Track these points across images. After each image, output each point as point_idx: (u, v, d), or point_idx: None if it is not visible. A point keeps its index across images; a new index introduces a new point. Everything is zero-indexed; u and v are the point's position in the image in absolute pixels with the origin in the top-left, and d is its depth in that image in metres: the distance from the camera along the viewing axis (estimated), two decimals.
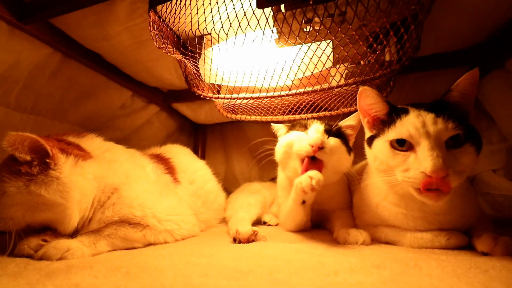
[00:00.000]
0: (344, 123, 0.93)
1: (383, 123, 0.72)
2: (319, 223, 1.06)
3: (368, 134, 0.77)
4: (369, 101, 0.73)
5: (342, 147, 0.88)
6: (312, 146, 0.83)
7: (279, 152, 0.95)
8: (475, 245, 0.65)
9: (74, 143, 0.79)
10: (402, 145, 0.65)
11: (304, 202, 0.87)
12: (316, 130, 0.87)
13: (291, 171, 0.93)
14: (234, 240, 0.82)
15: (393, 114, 0.70)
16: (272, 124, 1.05)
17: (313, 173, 0.79)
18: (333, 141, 0.87)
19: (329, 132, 0.89)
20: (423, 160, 0.60)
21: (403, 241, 0.73)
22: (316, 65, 0.78)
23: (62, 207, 0.69)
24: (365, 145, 0.77)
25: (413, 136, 0.63)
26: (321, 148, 0.83)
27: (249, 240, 0.81)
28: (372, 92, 0.72)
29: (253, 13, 0.68)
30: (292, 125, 0.98)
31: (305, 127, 0.91)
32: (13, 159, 0.68)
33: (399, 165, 0.65)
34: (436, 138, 0.61)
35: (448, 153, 0.61)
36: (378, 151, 0.70)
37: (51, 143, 0.70)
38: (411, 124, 0.64)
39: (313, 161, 0.85)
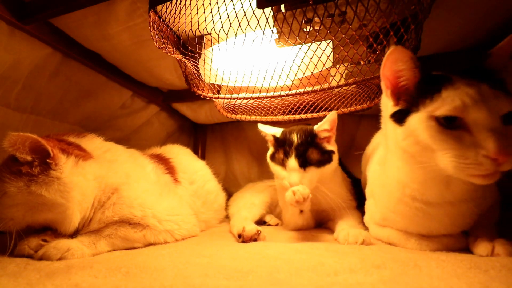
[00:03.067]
0: (320, 128, 0.91)
1: (416, 94, 0.58)
2: (321, 222, 1.06)
3: (390, 108, 0.63)
4: (400, 66, 0.58)
5: (319, 171, 0.89)
6: (291, 186, 0.85)
7: (268, 163, 0.99)
8: (471, 248, 0.64)
9: (74, 143, 0.79)
10: (451, 122, 0.52)
11: (301, 211, 0.94)
12: (292, 168, 0.88)
13: (279, 182, 0.98)
14: (239, 237, 0.84)
15: (428, 84, 0.57)
16: (259, 126, 1.03)
17: (296, 187, 0.82)
18: (309, 174, 0.88)
19: (304, 162, 0.88)
20: (484, 140, 0.49)
21: (407, 246, 0.71)
22: (316, 65, 0.78)
23: (63, 208, 0.69)
24: (388, 122, 0.63)
25: (469, 110, 0.51)
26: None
27: (251, 239, 0.83)
28: (407, 55, 0.57)
29: (253, 13, 0.68)
30: (276, 143, 0.96)
31: (282, 163, 0.91)
32: (14, 159, 0.68)
33: (450, 148, 0.52)
34: (495, 113, 0.51)
35: (505, 131, 0.51)
36: (418, 129, 0.55)
37: (52, 143, 0.70)
38: (464, 94, 0.51)
39: None
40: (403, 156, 0.62)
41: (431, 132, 0.54)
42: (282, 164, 0.91)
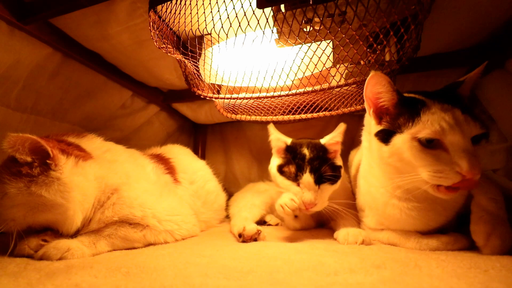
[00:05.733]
0: (330, 141, 0.90)
1: (397, 116, 0.66)
2: (323, 223, 1.06)
3: (374, 126, 0.71)
4: (379, 88, 0.66)
5: (332, 188, 0.86)
6: (306, 205, 0.83)
7: (272, 178, 0.95)
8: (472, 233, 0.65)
9: (74, 144, 0.79)
10: (430, 142, 0.61)
11: (296, 216, 0.94)
12: (307, 185, 0.83)
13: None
14: (239, 236, 0.83)
15: (406, 106, 0.65)
16: (269, 128, 0.99)
17: (285, 200, 0.81)
18: (324, 192, 0.85)
19: (319, 179, 0.84)
20: (459, 159, 0.57)
21: (407, 246, 0.72)
22: (316, 65, 0.78)
23: (63, 208, 0.69)
24: (373, 140, 0.71)
25: (446, 133, 0.59)
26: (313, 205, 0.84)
27: (252, 238, 0.83)
28: (384, 79, 0.65)
29: (253, 13, 0.68)
30: (285, 155, 0.92)
31: (295, 178, 0.86)
32: (14, 160, 0.68)
33: (429, 165, 0.60)
34: (469, 136, 0.59)
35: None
36: (402, 148, 0.63)
37: (52, 144, 0.70)
38: (441, 119, 0.60)
39: None
40: (386, 168, 0.71)
41: (414, 151, 0.62)
42: (294, 179, 0.86)
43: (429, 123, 0.60)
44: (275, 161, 0.95)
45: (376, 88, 0.67)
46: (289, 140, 0.94)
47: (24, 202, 0.67)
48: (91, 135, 0.87)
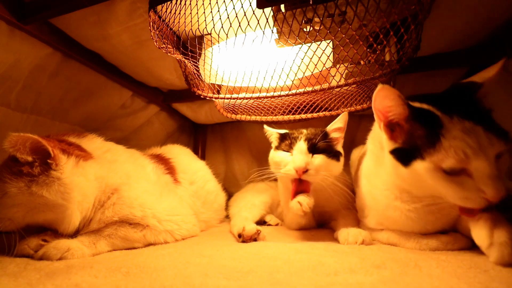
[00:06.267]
0: (331, 126, 0.91)
1: (411, 132, 0.61)
2: (323, 223, 1.06)
3: (387, 142, 0.66)
4: (388, 103, 0.62)
5: (328, 161, 0.86)
6: (297, 171, 0.83)
7: (271, 165, 0.97)
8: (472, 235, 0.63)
9: (75, 144, 0.79)
10: (455, 170, 0.56)
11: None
12: (299, 151, 0.85)
13: (283, 182, 0.97)
14: (239, 236, 0.84)
15: (419, 121, 0.60)
16: (265, 127, 1.03)
17: (302, 198, 0.81)
18: (317, 160, 0.85)
19: (313, 148, 0.86)
20: (483, 186, 0.54)
21: (406, 246, 0.72)
22: (316, 65, 0.78)
23: (63, 208, 0.69)
24: (388, 157, 0.66)
25: (471, 160, 0.54)
26: (305, 171, 0.83)
27: (251, 238, 0.83)
28: (393, 93, 0.60)
29: (253, 13, 0.68)
30: (282, 137, 0.95)
31: (290, 146, 0.88)
32: (14, 159, 0.68)
33: (454, 192, 0.57)
34: (493, 158, 0.54)
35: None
36: (425, 176, 0.59)
37: (52, 144, 0.70)
38: (465, 145, 0.54)
39: (301, 181, 0.86)
40: (402, 184, 0.67)
41: (438, 180, 0.58)
42: (289, 149, 0.87)
43: (453, 152, 0.55)
44: (273, 148, 0.98)
45: (385, 102, 0.62)
46: (284, 131, 0.97)
47: (24, 201, 0.67)
48: (91, 135, 0.87)
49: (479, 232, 0.60)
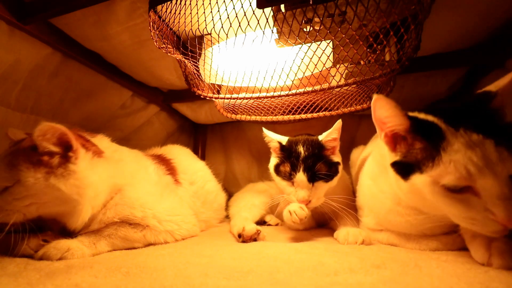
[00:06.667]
0: (326, 138, 0.90)
1: (413, 144, 0.58)
2: (323, 223, 1.06)
3: (389, 155, 0.63)
4: (383, 113, 0.59)
5: (328, 186, 0.87)
6: (300, 204, 0.85)
7: (271, 175, 0.97)
8: (470, 252, 0.61)
9: (90, 141, 0.79)
10: (458, 187, 0.51)
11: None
12: (300, 184, 0.85)
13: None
14: (239, 236, 0.84)
15: (421, 133, 0.56)
16: (264, 131, 1.00)
17: (293, 208, 0.82)
18: (318, 190, 0.86)
19: (313, 177, 0.85)
20: (493, 207, 0.48)
21: (406, 246, 0.72)
22: (316, 65, 0.78)
23: (75, 203, 0.69)
24: (389, 169, 0.63)
25: (474, 178, 0.49)
26: (308, 202, 0.85)
27: (251, 238, 0.83)
28: (387, 103, 0.58)
29: (253, 13, 0.68)
30: (282, 151, 0.93)
31: (290, 177, 0.87)
32: (33, 148, 0.68)
33: (459, 212, 0.52)
34: (505, 176, 0.48)
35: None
36: (424, 190, 0.55)
37: (75, 137, 0.71)
38: (467, 161, 0.49)
39: None
40: (410, 198, 0.63)
41: (439, 196, 0.53)
42: (289, 178, 0.87)
43: (452, 167, 0.50)
44: (273, 160, 0.97)
45: (381, 112, 0.60)
46: (284, 140, 0.95)
47: (38, 192, 0.65)
48: (100, 135, 0.88)
49: (477, 250, 0.58)
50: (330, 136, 0.89)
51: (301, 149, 0.89)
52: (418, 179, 0.55)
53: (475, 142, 0.50)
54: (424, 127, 0.56)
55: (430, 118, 0.58)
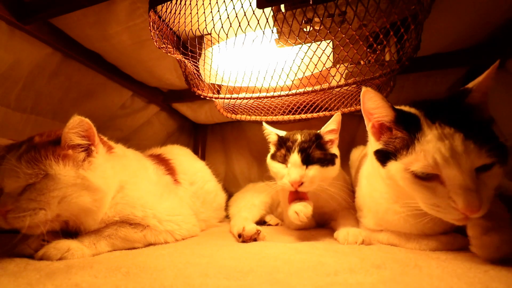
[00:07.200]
0: (325, 129, 0.90)
1: (395, 135, 0.62)
2: (323, 223, 1.06)
3: (374, 144, 0.67)
4: (371, 104, 0.64)
5: (322, 171, 0.87)
6: (292, 184, 0.84)
7: (270, 171, 0.97)
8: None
9: (101, 137, 0.81)
10: (425, 175, 0.56)
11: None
12: (293, 164, 0.85)
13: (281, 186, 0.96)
14: (239, 236, 0.84)
15: (403, 124, 0.60)
16: (264, 125, 1.01)
17: (299, 207, 0.82)
18: (312, 172, 0.85)
19: (307, 159, 0.85)
20: (454, 196, 0.52)
21: (406, 246, 0.72)
22: (316, 65, 0.78)
23: (102, 193, 0.71)
24: (373, 157, 0.68)
25: (440, 167, 0.53)
26: (300, 184, 0.84)
27: (251, 238, 0.83)
28: (375, 95, 0.62)
29: (253, 13, 0.68)
30: (279, 142, 0.94)
31: (284, 158, 0.88)
32: (56, 142, 0.69)
33: (425, 197, 0.57)
34: (468, 168, 0.52)
35: (478, 180, 0.52)
36: (397, 176, 0.60)
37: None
38: (436, 151, 0.53)
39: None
40: (393, 195, 0.69)
41: (408, 182, 0.58)
42: (284, 160, 0.88)
43: (422, 155, 0.55)
44: (271, 152, 0.98)
45: (369, 104, 0.64)
46: (283, 133, 0.96)
47: (69, 185, 0.66)
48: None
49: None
50: (328, 127, 0.90)
51: (298, 136, 0.90)
52: (393, 166, 0.60)
53: (446, 134, 0.54)
54: (406, 118, 0.60)
55: (412, 110, 0.62)
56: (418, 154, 0.55)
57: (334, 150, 0.92)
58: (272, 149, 0.98)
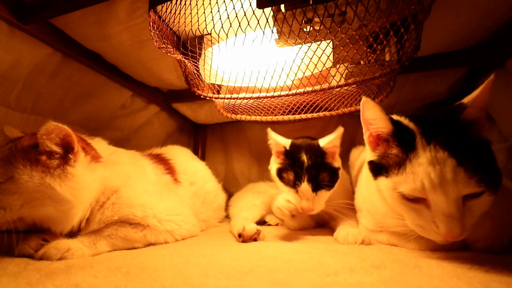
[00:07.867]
0: (329, 144, 0.91)
1: (390, 148, 0.61)
2: (323, 223, 1.06)
3: (369, 153, 0.68)
4: (370, 115, 0.64)
5: (329, 193, 0.89)
6: (304, 212, 0.87)
7: (272, 176, 0.97)
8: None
9: (90, 144, 0.79)
10: (412, 196, 0.56)
11: (293, 216, 0.95)
12: (305, 193, 0.86)
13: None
14: (239, 236, 0.84)
15: (399, 139, 0.59)
16: (269, 132, 0.99)
17: (282, 203, 0.85)
18: (321, 199, 0.87)
19: (316, 186, 0.86)
20: (438, 221, 0.53)
21: (406, 246, 0.72)
22: (316, 65, 0.78)
23: (69, 205, 0.69)
24: (368, 168, 0.68)
25: (427, 192, 0.53)
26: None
27: (251, 238, 0.83)
28: (374, 106, 0.61)
29: (253, 13, 0.68)
30: (286, 156, 0.93)
31: (293, 184, 0.88)
32: (33, 146, 0.67)
33: (410, 217, 0.58)
34: (455, 196, 0.52)
35: (464, 206, 0.53)
36: (385, 193, 0.61)
37: (77, 139, 0.71)
38: (425, 175, 0.53)
39: None
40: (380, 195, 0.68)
41: (395, 201, 0.59)
42: (293, 186, 0.88)
43: (411, 178, 0.54)
44: (275, 164, 0.96)
45: (368, 114, 0.64)
46: (288, 143, 0.94)
47: (30, 191, 0.64)
48: (98, 138, 0.88)
49: None
50: (331, 143, 0.90)
51: (304, 157, 0.89)
52: (383, 182, 0.61)
53: (438, 159, 0.53)
54: (403, 135, 0.59)
55: (411, 125, 0.61)
56: (408, 176, 0.55)
57: (336, 162, 0.92)
58: (276, 164, 0.96)
